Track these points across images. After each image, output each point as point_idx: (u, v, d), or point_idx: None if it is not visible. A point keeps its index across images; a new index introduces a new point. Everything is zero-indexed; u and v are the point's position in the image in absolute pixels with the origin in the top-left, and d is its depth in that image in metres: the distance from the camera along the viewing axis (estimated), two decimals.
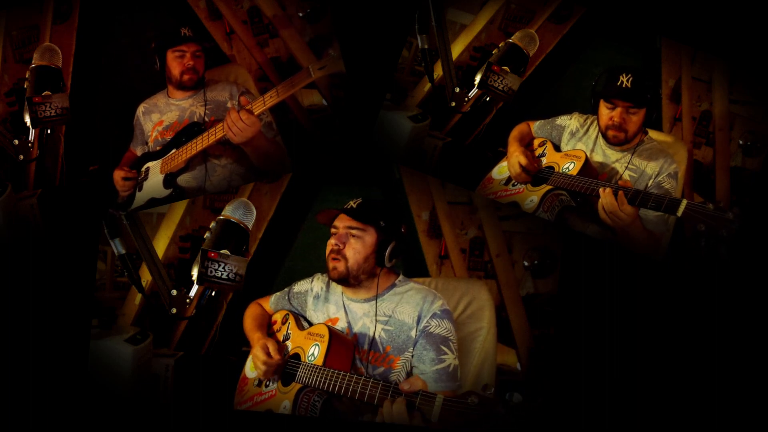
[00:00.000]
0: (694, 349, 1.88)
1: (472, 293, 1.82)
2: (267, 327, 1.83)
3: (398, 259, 1.74)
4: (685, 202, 1.68)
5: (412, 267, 1.92)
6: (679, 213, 1.68)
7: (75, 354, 1.86)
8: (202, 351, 1.91)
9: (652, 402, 1.87)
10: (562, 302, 1.87)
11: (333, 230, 1.74)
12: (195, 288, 1.88)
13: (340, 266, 1.69)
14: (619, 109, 1.84)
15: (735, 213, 1.63)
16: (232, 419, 1.80)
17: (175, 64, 1.98)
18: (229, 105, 1.98)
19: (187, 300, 1.89)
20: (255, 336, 1.78)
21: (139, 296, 1.89)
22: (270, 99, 1.86)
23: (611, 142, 1.87)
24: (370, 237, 1.71)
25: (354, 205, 1.73)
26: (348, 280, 1.70)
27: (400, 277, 1.76)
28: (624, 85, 1.81)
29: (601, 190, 1.77)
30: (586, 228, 1.87)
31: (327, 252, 1.73)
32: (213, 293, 1.90)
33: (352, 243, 1.70)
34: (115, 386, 1.84)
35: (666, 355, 1.88)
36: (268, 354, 1.70)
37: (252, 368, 1.78)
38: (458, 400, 1.35)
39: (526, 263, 1.90)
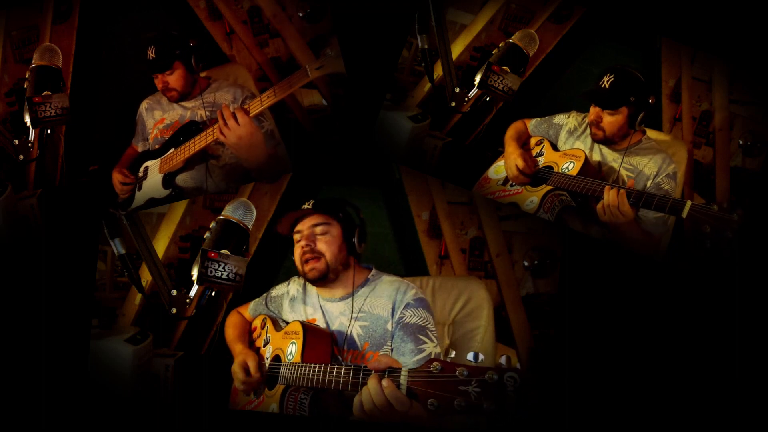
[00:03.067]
0: (694, 349, 1.88)
1: (470, 292, 1.82)
2: (248, 335, 1.83)
3: (366, 244, 1.74)
4: (689, 203, 1.68)
5: (412, 267, 1.92)
6: (684, 214, 1.68)
7: (75, 354, 1.86)
8: (202, 351, 1.91)
9: (653, 402, 1.87)
10: (562, 302, 1.87)
11: (297, 236, 1.74)
12: (195, 288, 1.88)
13: (319, 264, 1.69)
14: (596, 109, 1.85)
15: (739, 215, 1.62)
16: (231, 419, 1.80)
17: (157, 83, 1.99)
18: (231, 108, 1.98)
19: (187, 300, 1.89)
20: (236, 348, 1.77)
21: (139, 296, 1.89)
22: (267, 99, 1.86)
23: (593, 140, 1.88)
24: (335, 229, 1.72)
25: (309, 206, 1.74)
26: (327, 276, 1.70)
27: (373, 272, 1.76)
28: (603, 86, 1.82)
29: (607, 188, 1.77)
30: (586, 228, 1.87)
31: (298, 257, 1.72)
32: (213, 293, 1.90)
33: (322, 239, 1.71)
34: (115, 386, 1.84)
35: (667, 355, 1.88)
36: (247, 372, 1.70)
37: None
38: (422, 369, 1.30)
39: (526, 263, 1.90)
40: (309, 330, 1.67)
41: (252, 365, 1.70)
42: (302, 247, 1.71)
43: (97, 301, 1.89)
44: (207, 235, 1.88)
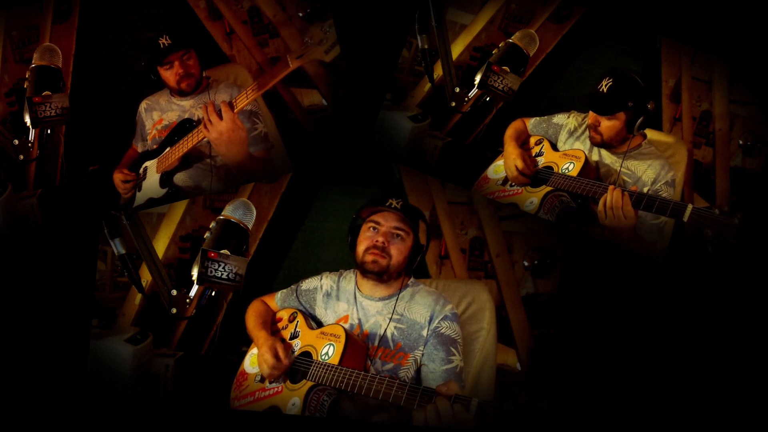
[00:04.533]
0: (694, 349, 1.88)
1: (473, 294, 1.82)
2: (271, 324, 1.83)
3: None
4: (690, 207, 1.67)
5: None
6: (685, 218, 1.67)
7: (75, 354, 1.86)
8: (202, 351, 1.91)
9: (653, 402, 1.87)
10: (562, 302, 1.88)
11: (373, 225, 1.74)
12: (195, 288, 1.88)
13: (383, 261, 1.71)
14: (593, 113, 1.85)
15: (740, 218, 1.62)
16: (232, 419, 1.80)
17: (168, 75, 1.97)
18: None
19: (187, 300, 1.89)
20: (260, 335, 1.77)
21: (139, 296, 1.89)
22: (252, 92, 1.86)
23: (592, 143, 1.87)
24: (409, 240, 1.74)
25: (397, 205, 1.74)
26: (383, 276, 1.73)
27: (412, 279, 1.79)
28: (601, 90, 1.81)
29: (611, 187, 1.76)
30: (586, 229, 1.87)
31: (366, 247, 1.73)
32: (213, 293, 1.90)
33: (397, 243, 1.73)
34: (115, 386, 1.84)
35: (667, 355, 1.88)
36: (278, 357, 1.71)
37: (252, 363, 1.78)
38: (493, 404, 1.44)
39: (526, 263, 1.90)
40: (351, 337, 1.69)
41: (281, 351, 1.71)
42: (375, 241, 1.72)
43: (97, 301, 1.89)
44: (207, 235, 1.88)
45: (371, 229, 1.75)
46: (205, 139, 1.91)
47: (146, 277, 1.90)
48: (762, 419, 1.84)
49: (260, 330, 1.79)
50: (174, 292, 1.89)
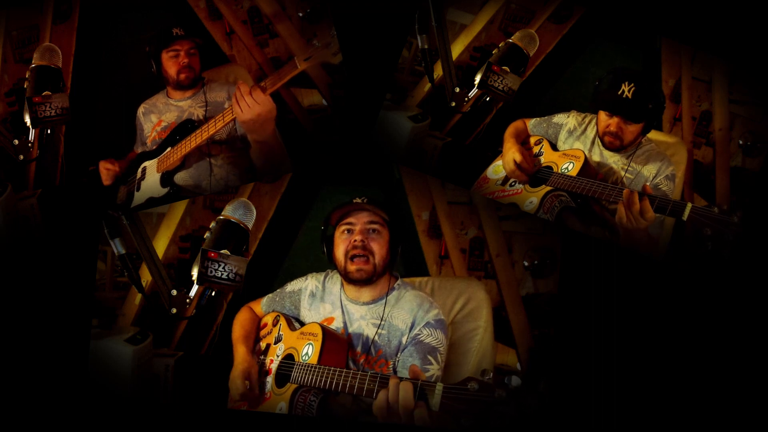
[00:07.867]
0: (694, 349, 1.88)
1: (469, 292, 1.82)
2: (255, 333, 1.83)
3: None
4: (690, 205, 1.67)
5: (412, 267, 1.92)
6: (685, 217, 1.68)
7: (75, 354, 1.86)
8: (202, 351, 1.91)
9: (653, 402, 1.87)
10: (562, 302, 1.87)
11: (347, 227, 1.71)
12: (195, 288, 1.88)
13: (368, 266, 1.68)
14: (616, 119, 1.83)
15: (739, 216, 1.63)
16: (231, 419, 1.80)
17: (171, 63, 1.98)
18: (226, 105, 1.98)
19: (187, 300, 1.89)
20: (239, 351, 1.77)
21: (139, 296, 1.89)
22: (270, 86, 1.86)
23: (607, 147, 1.87)
24: (386, 233, 1.70)
25: (363, 202, 1.72)
26: (371, 279, 1.69)
27: (399, 281, 1.76)
28: (625, 95, 1.80)
29: (626, 191, 1.74)
30: (586, 228, 1.87)
31: (345, 251, 1.70)
32: (213, 293, 1.90)
33: (375, 237, 1.69)
34: (115, 386, 1.84)
35: (666, 356, 1.88)
36: (248, 386, 1.70)
37: None
38: (458, 386, 1.33)
39: (526, 263, 1.90)
40: (328, 334, 1.67)
41: (254, 378, 1.71)
42: (353, 241, 1.68)
43: (97, 301, 1.89)
44: (207, 235, 1.88)
45: (345, 231, 1.71)
46: (209, 139, 1.91)
47: (146, 277, 1.90)
48: (762, 419, 1.84)
49: (241, 344, 1.78)
50: (174, 292, 1.89)
